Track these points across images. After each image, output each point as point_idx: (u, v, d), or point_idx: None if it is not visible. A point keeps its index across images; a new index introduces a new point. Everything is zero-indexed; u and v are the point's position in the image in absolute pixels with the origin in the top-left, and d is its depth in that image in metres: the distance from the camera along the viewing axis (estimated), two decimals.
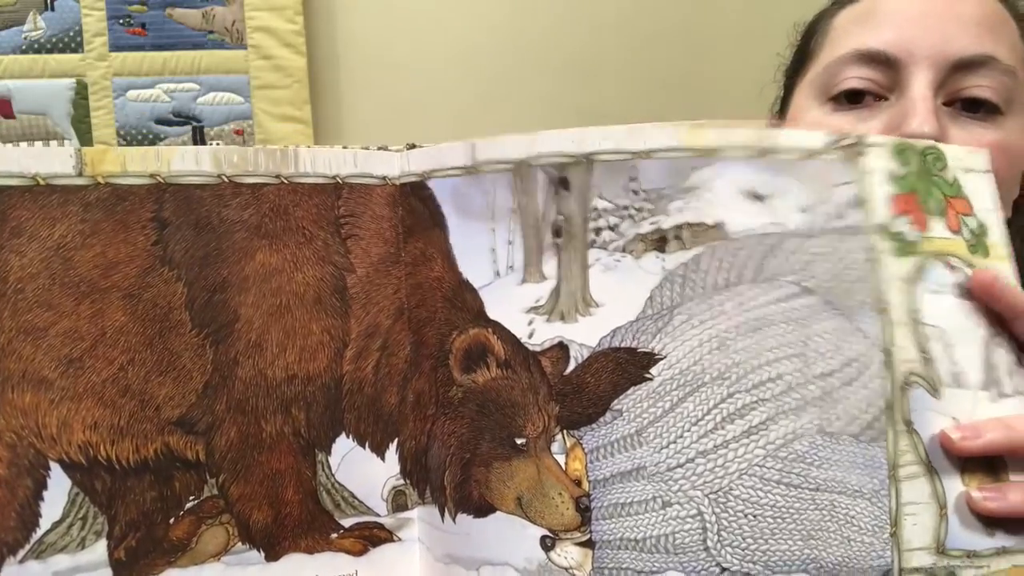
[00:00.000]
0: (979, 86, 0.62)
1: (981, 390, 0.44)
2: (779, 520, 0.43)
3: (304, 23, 1.38)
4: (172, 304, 0.43)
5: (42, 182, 0.41)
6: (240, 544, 0.45)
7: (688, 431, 0.44)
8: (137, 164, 0.43)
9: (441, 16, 1.47)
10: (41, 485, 0.42)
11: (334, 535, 0.46)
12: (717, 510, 0.44)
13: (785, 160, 0.45)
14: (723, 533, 0.43)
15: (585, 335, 0.45)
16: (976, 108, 0.62)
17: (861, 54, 0.64)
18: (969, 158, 0.47)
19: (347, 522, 0.47)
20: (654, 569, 0.44)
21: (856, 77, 0.64)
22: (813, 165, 0.45)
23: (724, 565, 0.43)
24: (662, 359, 0.44)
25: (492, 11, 1.48)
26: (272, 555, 0.45)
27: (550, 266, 0.46)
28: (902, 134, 0.58)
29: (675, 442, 0.44)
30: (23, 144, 1.30)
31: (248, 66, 1.38)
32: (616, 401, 0.45)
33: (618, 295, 0.45)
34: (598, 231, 0.46)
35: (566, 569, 0.44)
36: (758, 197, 0.45)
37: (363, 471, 0.47)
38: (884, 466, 0.43)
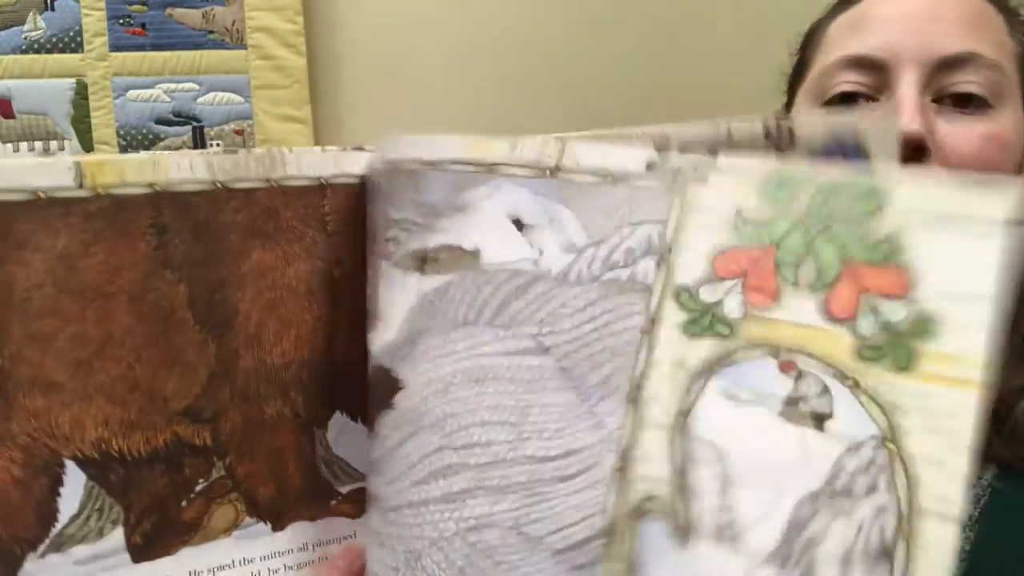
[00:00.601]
0: (965, 82, 0.63)
1: (765, 562, 0.28)
2: None
3: (304, 23, 1.35)
4: (175, 304, 0.44)
5: (43, 196, 0.41)
6: (248, 519, 0.47)
7: (404, 475, 0.39)
8: (135, 174, 0.43)
9: (442, 17, 1.43)
10: (57, 482, 0.42)
11: (333, 502, 0.49)
12: (408, 574, 0.38)
13: (573, 183, 0.34)
14: None
15: (376, 349, 0.43)
16: (966, 103, 0.63)
17: (851, 59, 0.66)
18: (980, 201, 0.26)
19: (344, 489, 0.49)
20: None
21: (847, 81, 0.66)
22: (610, 193, 0.33)
23: None
24: (403, 389, 0.40)
25: (493, 12, 1.45)
26: (278, 526, 0.47)
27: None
28: None
29: (395, 483, 0.40)
30: (23, 144, 1.28)
31: (248, 66, 1.34)
32: (376, 420, 0.42)
33: (389, 311, 0.41)
34: (386, 241, 0.42)
35: None
36: (521, 225, 0.36)
37: (357, 443, 0.48)
38: None
